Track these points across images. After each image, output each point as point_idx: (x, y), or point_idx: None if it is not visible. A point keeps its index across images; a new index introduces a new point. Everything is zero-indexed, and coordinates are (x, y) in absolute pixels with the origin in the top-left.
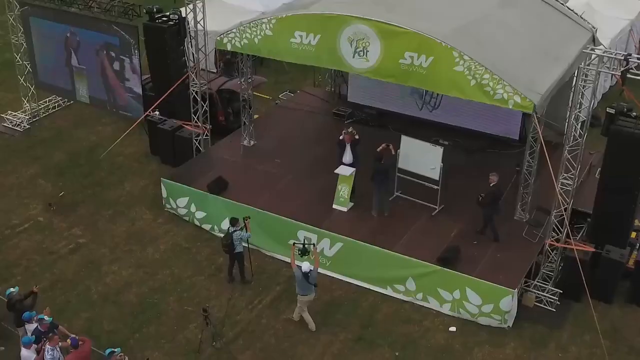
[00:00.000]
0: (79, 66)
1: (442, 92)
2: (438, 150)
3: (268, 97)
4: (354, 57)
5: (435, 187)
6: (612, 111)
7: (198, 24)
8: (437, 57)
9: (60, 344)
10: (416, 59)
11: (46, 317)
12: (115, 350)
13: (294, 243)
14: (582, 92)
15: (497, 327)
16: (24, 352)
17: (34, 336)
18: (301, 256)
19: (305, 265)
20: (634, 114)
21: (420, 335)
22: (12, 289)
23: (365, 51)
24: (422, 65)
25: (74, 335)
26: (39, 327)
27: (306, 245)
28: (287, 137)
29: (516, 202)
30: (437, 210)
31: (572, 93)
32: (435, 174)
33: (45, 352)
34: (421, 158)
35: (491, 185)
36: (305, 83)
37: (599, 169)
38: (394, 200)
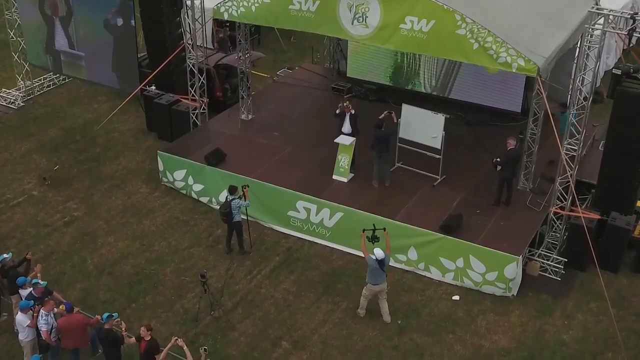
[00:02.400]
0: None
1: (445, 57)
2: (440, 118)
3: (266, 75)
4: (352, 23)
5: (437, 156)
6: (619, 72)
7: None
8: (439, 21)
9: (55, 310)
10: (416, 23)
11: (40, 282)
12: (113, 314)
13: (364, 230)
14: (587, 54)
15: (501, 296)
16: (19, 316)
17: (32, 300)
18: (372, 243)
19: (379, 252)
20: None
21: (423, 304)
22: (5, 255)
23: (364, 17)
24: (423, 30)
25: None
26: (32, 292)
27: (376, 232)
28: (286, 111)
29: (519, 171)
30: (439, 180)
31: (577, 56)
32: (437, 143)
33: (39, 317)
34: (423, 127)
35: (509, 149)
36: (304, 61)
37: (603, 142)
38: (395, 170)
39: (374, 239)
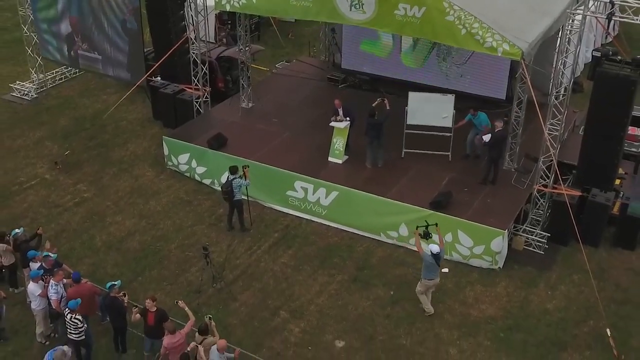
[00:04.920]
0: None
1: (436, 41)
2: (450, 98)
3: (266, 68)
4: (350, 10)
5: (448, 134)
6: (598, 54)
7: None
8: (429, 8)
9: (64, 280)
10: (409, 9)
11: (51, 254)
12: (115, 283)
13: (417, 227)
14: (569, 37)
15: (488, 269)
16: (31, 286)
17: (41, 270)
18: (426, 239)
19: (435, 247)
20: (619, 57)
21: (415, 276)
22: (17, 230)
23: (360, 4)
24: (416, 16)
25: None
26: (43, 264)
27: (429, 227)
28: (284, 100)
29: (504, 152)
30: (450, 155)
31: (559, 39)
32: (448, 122)
33: (50, 287)
34: (433, 109)
35: (496, 130)
36: (301, 55)
37: (583, 127)
38: (399, 151)
39: (427, 236)
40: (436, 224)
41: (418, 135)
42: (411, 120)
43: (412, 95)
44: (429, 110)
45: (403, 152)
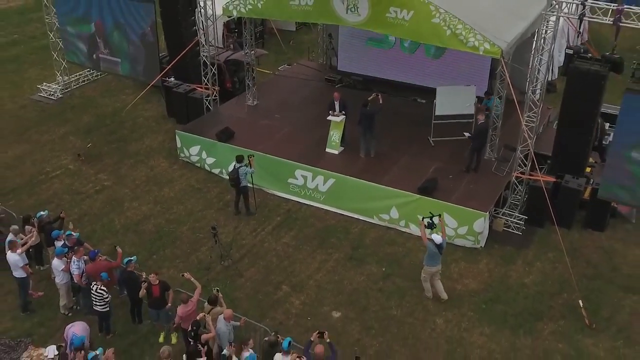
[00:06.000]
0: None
1: (424, 42)
2: (472, 89)
3: (269, 72)
4: (347, 12)
5: (471, 120)
6: (571, 52)
7: None
8: (417, 11)
9: (85, 257)
10: (399, 12)
11: (73, 233)
12: (132, 258)
13: (423, 218)
14: (544, 37)
15: (471, 247)
16: (55, 262)
17: (65, 248)
18: (431, 230)
19: (438, 238)
20: (590, 55)
21: (404, 254)
22: (42, 212)
23: (355, 7)
24: (405, 19)
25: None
26: (66, 242)
27: (433, 219)
28: (286, 98)
29: (486, 143)
30: (469, 135)
31: (534, 40)
32: (471, 109)
33: (72, 263)
34: (458, 99)
35: (479, 123)
36: (301, 60)
37: (556, 122)
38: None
39: (431, 226)
40: (440, 215)
41: (444, 124)
42: (440, 111)
43: (439, 89)
44: (455, 101)
45: (432, 141)
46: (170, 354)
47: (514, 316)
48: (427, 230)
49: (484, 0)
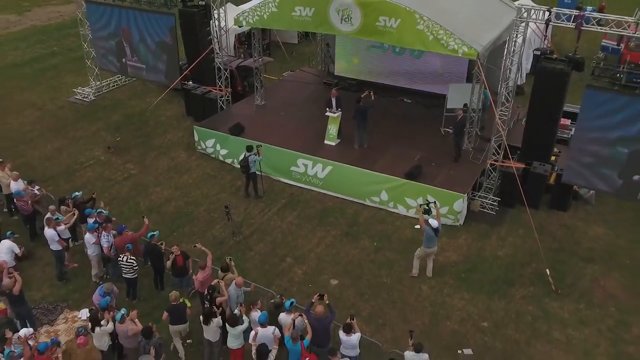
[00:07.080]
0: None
1: (409, 47)
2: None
3: (275, 78)
4: (341, 23)
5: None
6: (538, 53)
7: (220, 9)
8: (403, 19)
9: (113, 231)
10: (388, 21)
11: (104, 211)
12: (155, 233)
13: (420, 205)
14: (515, 40)
15: (451, 225)
16: (87, 236)
17: (96, 224)
18: (428, 215)
19: (434, 222)
20: (555, 56)
21: (393, 231)
22: (77, 193)
23: (349, 18)
24: (393, 26)
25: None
26: (97, 219)
27: (430, 205)
28: (290, 99)
29: (465, 135)
30: (449, 129)
31: (507, 43)
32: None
33: (102, 237)
34: (467, 94)
35: (459, 118)
36: (303, 66)
37: (525, 119)
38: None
39: (428, 212)
40: (435, 202)
41: (452, 117)
42: (451, 105)
43: (451, 86)
44: (464, 96)
45: (443, 131)
46: (177, 298)
47: (489, 283)
48: (425, 216)
49: (462, 10)
